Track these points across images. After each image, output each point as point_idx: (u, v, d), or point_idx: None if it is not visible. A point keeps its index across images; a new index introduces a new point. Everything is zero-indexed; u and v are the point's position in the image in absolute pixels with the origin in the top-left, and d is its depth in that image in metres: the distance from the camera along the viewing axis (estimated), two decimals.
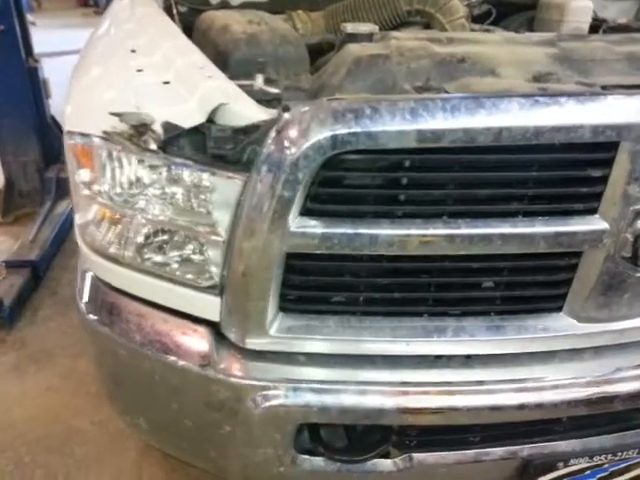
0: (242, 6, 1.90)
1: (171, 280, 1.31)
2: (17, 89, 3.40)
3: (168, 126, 1.17)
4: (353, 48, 1.43)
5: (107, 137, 1.21)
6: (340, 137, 1.07)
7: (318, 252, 1.17)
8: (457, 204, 1.17)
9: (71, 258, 3.16)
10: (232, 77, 1.36)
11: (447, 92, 1.23)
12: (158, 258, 1.30)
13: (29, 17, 3.61)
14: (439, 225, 1.16)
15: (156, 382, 1.38)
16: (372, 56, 1.40)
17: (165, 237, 1.28)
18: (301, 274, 1.24)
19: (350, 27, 1.50)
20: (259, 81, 1.32)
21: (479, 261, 1.22)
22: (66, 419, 2.24)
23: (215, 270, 1.26)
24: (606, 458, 1.43)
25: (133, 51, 1.44)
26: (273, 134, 1.12)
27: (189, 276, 1.29)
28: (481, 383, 1.30)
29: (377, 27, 1.54)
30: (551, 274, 1.26)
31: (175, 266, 1.30)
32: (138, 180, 1.24)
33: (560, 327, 1.30)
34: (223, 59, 1.53)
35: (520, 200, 1.17)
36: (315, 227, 1.15)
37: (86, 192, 1.33)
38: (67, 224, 3.40)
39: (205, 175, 1.19)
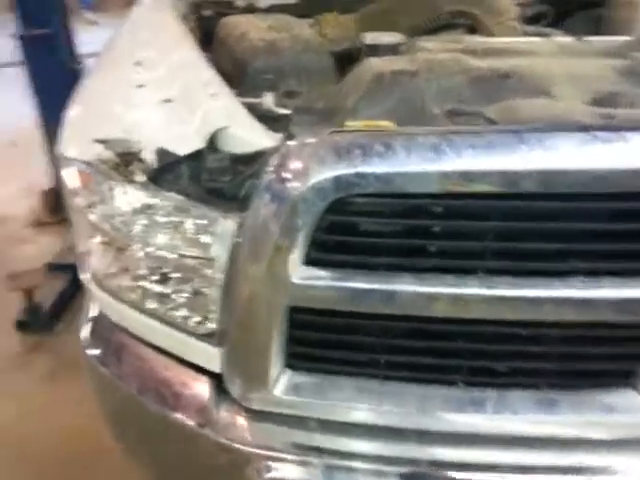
0: (270, 10, 1.71)
1: (169, 323, 1.16)
2: (59, 89, 3.40)
3: (161, 153, 1.04)
4: (373, 63, 1.21)
5: (93, 166, 1.09)
6: (344, 179, 0.87)
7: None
8: (496, 259, 0.93)
9: None
10: (250, 89, 1.21)
11: (487, 118, 0.98)
12: (157, 295, 1.16)
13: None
14: (473, 283, 0.93)
15: (152, 431, 1.25)
16: (395, 73, 1.17)
17: (166, 271, 1.13)
18: (308, 329, 1.06)
19: (370, 37, 1.27)
20: (268, 99, 1.14)
21: (525, 327, 0.98)
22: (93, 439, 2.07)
23: (213, 315, 1.10)
24: None
25: (138, 63, 1.31)
26: (270, 170, 0.93)
27: (187, 320, 1.14)
28: (528, 470, 1.06)
29: (403, 36, 1.30)
30: (618, 346, 1.00)
31: (173, 306, 1.15)
32: (142, 207, 1.10)
33: (630, 407, 1.04)
34: (241, 69, 1.38)
35: (579, 256, 0.92)
36: (321, 279, 0.97)
37: (85, 220, 1.21)
38: None
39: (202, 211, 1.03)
